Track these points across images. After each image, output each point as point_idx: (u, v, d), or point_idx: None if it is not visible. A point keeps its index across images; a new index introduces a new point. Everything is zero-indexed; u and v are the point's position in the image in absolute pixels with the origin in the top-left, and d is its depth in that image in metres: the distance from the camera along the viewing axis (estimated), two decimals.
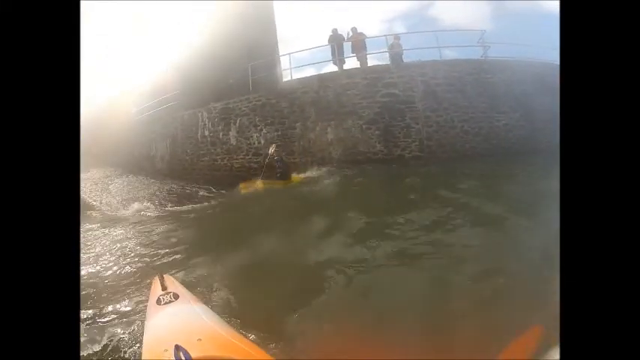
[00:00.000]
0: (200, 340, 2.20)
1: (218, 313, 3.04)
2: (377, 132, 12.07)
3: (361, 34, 14.13)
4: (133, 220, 9.17)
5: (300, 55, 17.56)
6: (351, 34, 14.26)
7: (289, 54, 15.90)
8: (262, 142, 13.43)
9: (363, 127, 12.15)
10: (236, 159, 14.25)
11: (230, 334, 2.41)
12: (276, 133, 13.27)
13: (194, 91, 16.99)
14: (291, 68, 15.42)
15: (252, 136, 13.77)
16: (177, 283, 3.13)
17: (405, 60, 13.48)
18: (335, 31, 14.78)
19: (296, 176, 11.45)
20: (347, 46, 14.47)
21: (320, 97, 12.64)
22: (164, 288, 2.93)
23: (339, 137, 12.32)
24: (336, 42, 14.49)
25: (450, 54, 20.26)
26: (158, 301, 2.77)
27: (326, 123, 12.45)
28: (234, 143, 14.37)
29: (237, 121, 14.33)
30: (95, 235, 7.36)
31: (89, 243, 6.70)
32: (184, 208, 10.48)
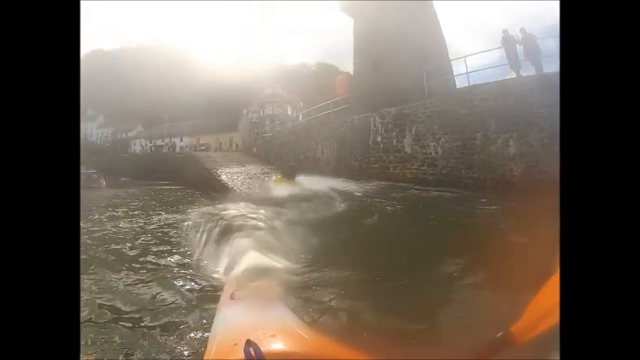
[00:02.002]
0: (274, 335, 2.18)
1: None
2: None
3: (531, 35, 13.32)
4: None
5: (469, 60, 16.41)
6: (521, 35, 13.48)
7: (464, 57, 15.33)
8: (440, 152, 12.86)
9: (545, 140, 10.81)
10: (410, 169, 13.90)
11: (307, 331, 2.40)
12: (455, 144, 12.70)
13: (365, 95, 17.38)
14: (467, 73, 14.61)
15: (428, 145, 13.54)
16: (252, 283, 3.30)
17: None
18: (506, 32, 14.03)
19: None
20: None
21: (499, 106, 11.83)
22: (239, 284, 3.04)
23: (522, 152, 11.19)
24: (508, 45, 13.73)
25: None
26: (232, 296, 2.85)
27: (507, 134, 11.46)
28: (408, 152, 14.05)
29: (413, 129, 13.94)
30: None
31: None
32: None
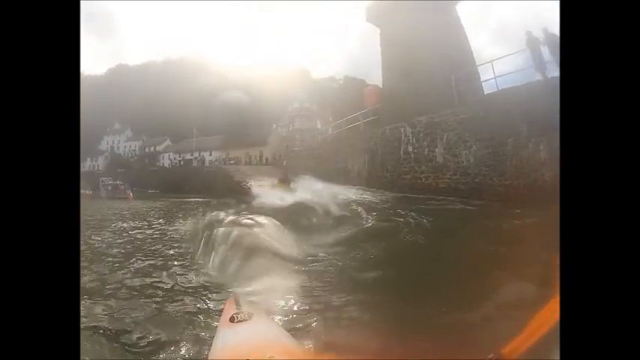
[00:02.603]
0: (272, 357, 2.22)
1: None
2: None
3: (554, 34, 12.80)
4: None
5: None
6: (543, 36, 13.16)
7: (491, 62, 15.25)
8: (472, 160, 12.67)
9: None
10: (442, 178, 13.71)
11: (306, 354, 2.49)
12: (486, 151, 12.52)
13: (395, 104, 17.44)
14: (495, 77, 14.65)
15: (460, 154, 13.43)
16: (252, 305, 3.23)
17: None
18: (529, 33, 13.67)
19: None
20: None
21: (528, 109, 11.46)
22: (239, 306, 3.02)
23: (553, 156, 10.74)
24: (532, 46, 13.44)
25: None
26: (232, 319, 2.85)
27: (538, 139, 11.21)
28: (440, 161, 13.89)
29: (445, 137, 13.79)
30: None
31: None
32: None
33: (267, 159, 51.38)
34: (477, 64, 17.86)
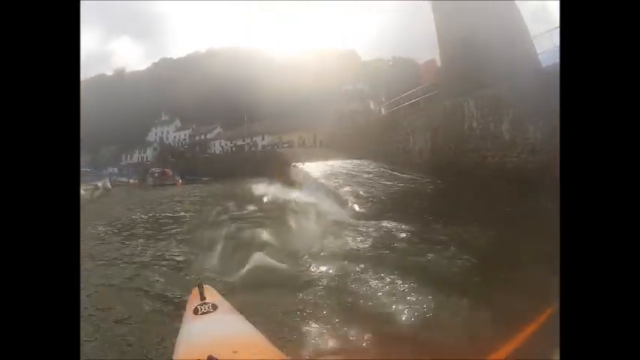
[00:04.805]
0: (236, 352, 2.28)
1: None
2: None
3: None
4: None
5: None
6: None
7: (549, 31, 15.00)
8: (539, 136, 11.95)
9: None
10: (510, 157, 13.03)
11: (268, 348, 2.50)
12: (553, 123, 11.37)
13: (455, 79, 16.99)
14: (556, 49, 13.86)
15: (527, 130, 12.64)
16: (216, 294, 3.25)
17: None
18: None
19: None
20: None
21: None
22: (203, 298, 3.03)
23: None
24: None
25: None
26: (195, 311, 2.89)
27: None
28: (507, 138, 13.19)
29: (510, 112, 13.12)
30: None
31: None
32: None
33: (320, 141, 51.50)
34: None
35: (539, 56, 15.82)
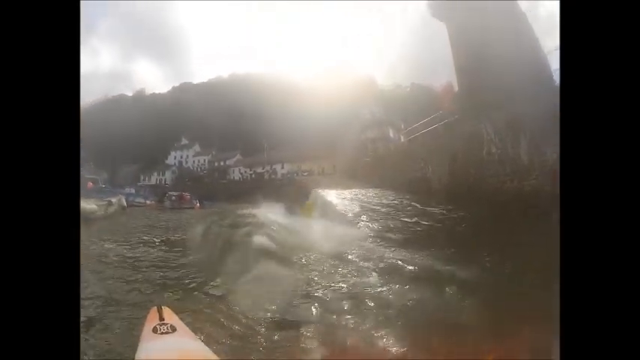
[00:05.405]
0: None
1: None
2: None
3: None
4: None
5: None
6: None
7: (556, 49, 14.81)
8: (555, 157, 11.62)
9: None
10: (527, 180, 12.85)
11: None
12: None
13: (474, 102, 16.92)
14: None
15: (545, 151, 12.21)
16: (175, 317, 3.26)
17: None
18: None
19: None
20: None
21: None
22: (161, 319, 3.07)
23: None
24: None
25: None
26: (154, 330, 2.91)
27: None
28: (525, 161, 13.06)
29: (528, 134, 13.02)
30: None
31: None
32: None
33: (339, 170, 51.52)
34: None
35: (553, 72, 15.83)
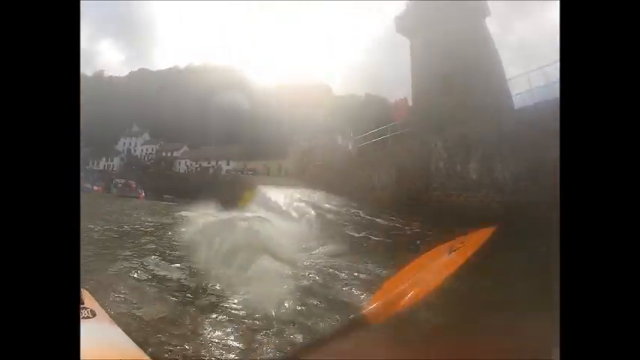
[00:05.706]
0: None
1: None
2: None
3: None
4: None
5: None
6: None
7: (527, 73, 15.70)
8: (507, 176, 12.18)
9: None
10: (476, 196, 13.11)
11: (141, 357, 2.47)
12: (523, 165, 11.83)
13: (428, 117, 17.16)
14: (531, 89, 14.80)
15: (495, 169, 12.62)
16: (94, 301, 3.14)
17: None
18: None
19: None
20: None
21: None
22: (82, 302, 2.93)
23: None
24: None
25: None
26: None
27: None
28: (474, 177, 13.43)
29: (480, 151, 13.33)
30: None
31: None
32: None
33: (285, 172, 51.67)
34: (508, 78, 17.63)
35: (514, 97, 16.22)
